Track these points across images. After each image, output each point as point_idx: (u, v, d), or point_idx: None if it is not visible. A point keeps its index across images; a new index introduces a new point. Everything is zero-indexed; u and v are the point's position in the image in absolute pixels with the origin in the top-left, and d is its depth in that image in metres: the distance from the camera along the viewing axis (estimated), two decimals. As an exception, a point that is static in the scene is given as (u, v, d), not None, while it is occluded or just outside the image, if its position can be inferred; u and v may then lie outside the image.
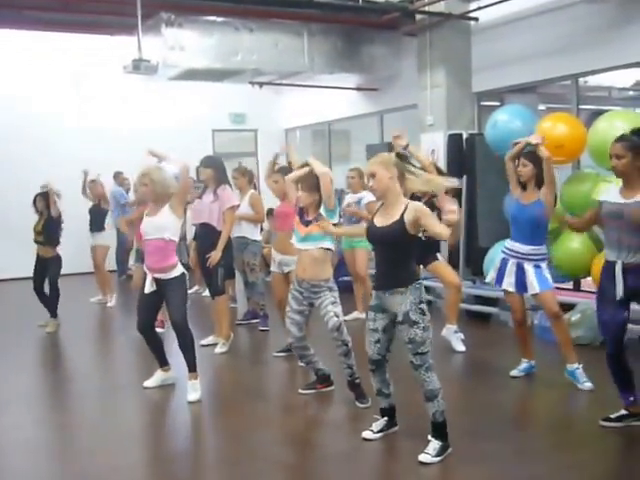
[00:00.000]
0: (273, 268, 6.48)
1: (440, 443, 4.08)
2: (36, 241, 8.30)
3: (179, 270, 5.30)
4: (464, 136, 8.80)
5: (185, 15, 9.30)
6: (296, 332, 5.18)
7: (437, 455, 4.04)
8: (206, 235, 6.81)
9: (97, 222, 9.93)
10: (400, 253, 4.10)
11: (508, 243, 5.54)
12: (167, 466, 4.30)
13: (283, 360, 6.51)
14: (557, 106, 9.34)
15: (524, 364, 5.75)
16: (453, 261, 8.23)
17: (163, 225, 5.24)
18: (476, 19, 9.22)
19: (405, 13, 9.62)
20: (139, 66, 8.58)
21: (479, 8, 8.97)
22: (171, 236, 5.25)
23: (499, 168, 7.81)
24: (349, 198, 7.98)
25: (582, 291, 7.57)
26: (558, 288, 7.73)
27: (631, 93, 10.05)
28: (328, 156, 13.44)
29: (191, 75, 10.21)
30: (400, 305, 4.08)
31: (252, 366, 6.63)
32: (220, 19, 9.60)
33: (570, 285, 7.81)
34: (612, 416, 4.49)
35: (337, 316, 5.03)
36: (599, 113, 7.36)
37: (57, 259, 8.32)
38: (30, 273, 8.34)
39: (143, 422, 5.23)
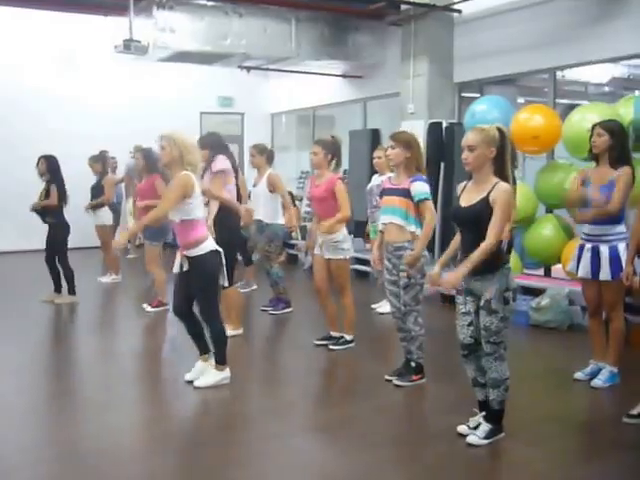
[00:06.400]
0: (316, 251, 5.97)
1: (490, 426, 4.06)
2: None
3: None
4: (444, 125, 9.07)
5: (176, -2, 9.46)
6: (396, 303, 5.12)
7: (486, 437, 4.03)
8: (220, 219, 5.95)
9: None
10: (485, 235, 3.83)
11: (584, 227, 5.06)
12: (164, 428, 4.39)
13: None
14: (535, 99, 9.60)
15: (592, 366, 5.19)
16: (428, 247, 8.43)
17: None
18: (459, 11, 9.44)
19: (390, 3, 9.81)
20: (130, 46, 8.77)
21: (463, 0, 9.17)
22: (183, 217, 4.82)
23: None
24: (377, 180, 7.28)
25: (552, 277, 7.86)
26: (529, 274, 8.05)
27: (606, 89, 10.34)
28: (312, 141, 13.62)
29: (181, 57, 10.36)
30: (485, 291, 3.93)
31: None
32: (210, 3, 9.75)
33: (541, 271, 8.12)
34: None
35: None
36: (575, 107, 7.63)
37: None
38: (29, 246, 8.12)
39: (136, 392, 5.26)
